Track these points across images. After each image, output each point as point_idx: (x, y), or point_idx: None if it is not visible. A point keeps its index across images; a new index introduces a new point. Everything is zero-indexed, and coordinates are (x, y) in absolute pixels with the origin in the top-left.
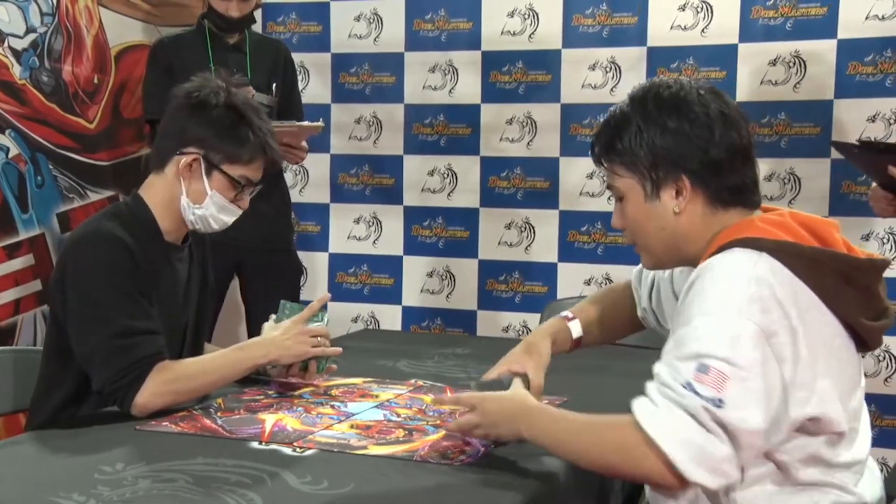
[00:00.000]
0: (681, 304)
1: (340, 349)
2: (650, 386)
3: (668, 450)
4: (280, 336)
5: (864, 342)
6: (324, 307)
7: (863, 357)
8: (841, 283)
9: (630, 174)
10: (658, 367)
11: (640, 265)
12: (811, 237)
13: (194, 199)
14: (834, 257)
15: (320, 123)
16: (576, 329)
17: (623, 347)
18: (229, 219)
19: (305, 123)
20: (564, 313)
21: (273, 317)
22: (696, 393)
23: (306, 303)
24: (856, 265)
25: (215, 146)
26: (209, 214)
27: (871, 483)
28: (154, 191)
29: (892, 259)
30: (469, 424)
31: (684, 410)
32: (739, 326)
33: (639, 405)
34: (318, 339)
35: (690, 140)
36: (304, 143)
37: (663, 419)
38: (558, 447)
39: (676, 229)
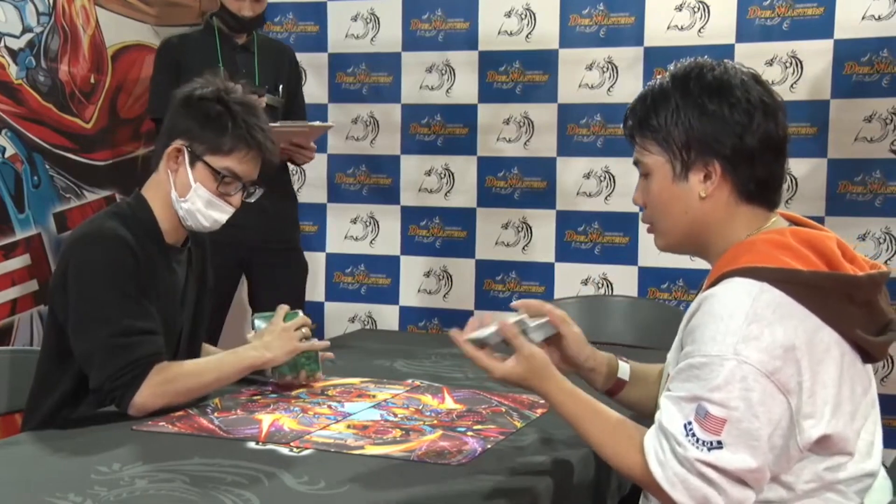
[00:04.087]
0: (684, 330)
1: (328, 342)
2: (658, 425)
3: (673, 495)
4: (267, 337)
5: (869, 354)
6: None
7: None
8: (843, 302)
9: (661, 152)
10: (664, 401)
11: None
12: (814, 256)
13: (180, 192)
14: (835, 279)
15: (331, 123)
16: (623, 370)
17: (621, 347)
18: (220, 216)
19: (317, 123)
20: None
21: (252, 333)
22: (695, 437)
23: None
24: (856, 284)
25: (198, 136)
26: (196, 209)
27: (882, 493)
28: (154, 191)
29: (890, 259)
30: (514, 375)
31: (685, 462)
32: (736, 369)
33: (650, 446)
34: (302, 329)
35: (727, 124)
36: (312, 144)
37: (669, 469)
38: (572, 424)
39: (699, 215)
